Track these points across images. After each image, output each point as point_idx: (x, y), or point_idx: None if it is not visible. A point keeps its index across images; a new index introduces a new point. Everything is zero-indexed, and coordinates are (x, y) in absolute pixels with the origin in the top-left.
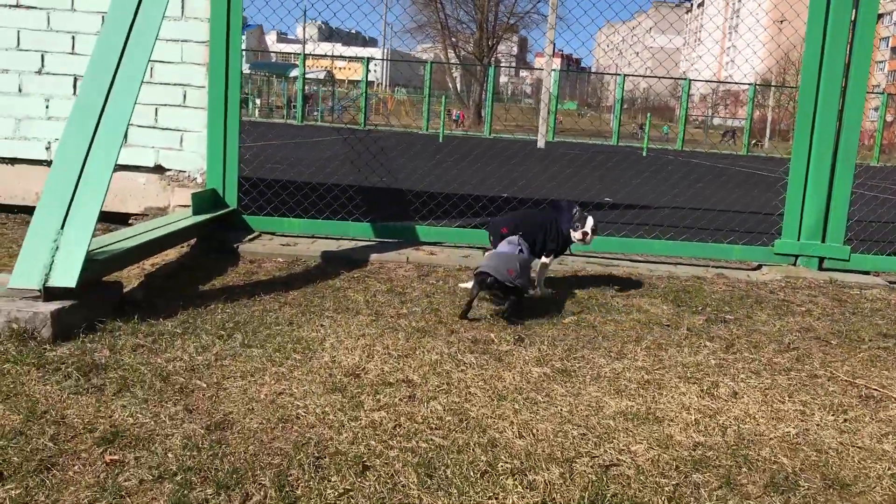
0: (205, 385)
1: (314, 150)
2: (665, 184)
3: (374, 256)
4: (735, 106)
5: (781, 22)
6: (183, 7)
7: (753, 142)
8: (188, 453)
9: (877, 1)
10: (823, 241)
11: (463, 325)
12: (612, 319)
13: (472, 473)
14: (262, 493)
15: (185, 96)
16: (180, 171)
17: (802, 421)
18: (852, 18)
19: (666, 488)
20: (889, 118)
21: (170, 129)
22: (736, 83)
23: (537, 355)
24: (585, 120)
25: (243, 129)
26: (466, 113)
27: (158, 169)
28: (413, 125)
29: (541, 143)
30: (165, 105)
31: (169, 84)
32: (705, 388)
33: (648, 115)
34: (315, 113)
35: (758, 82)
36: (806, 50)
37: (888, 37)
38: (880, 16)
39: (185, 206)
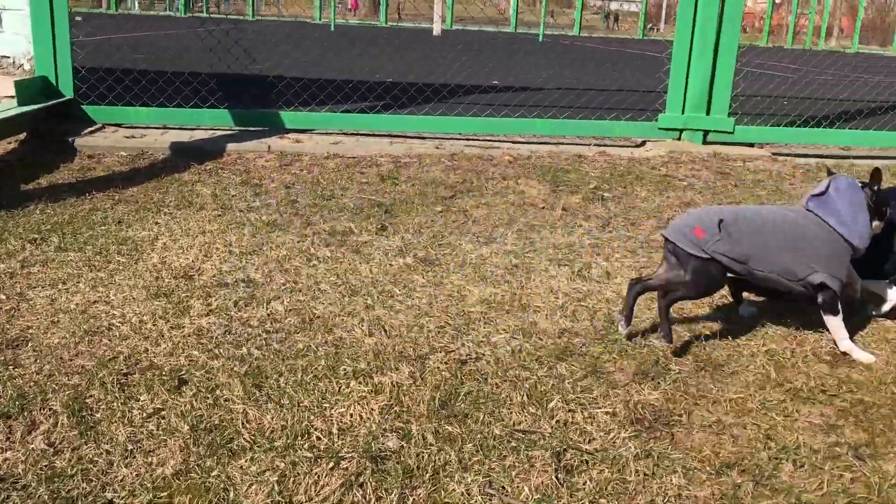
0: (3, 297)
1: (176, 40)
2: (555, 67)
3: (231, 146)
4: None
5: None
6: None
7: (649, 26)
8: None
9: None
10: (708, 113)
11: (322, 216)
12: (484, 203)
13: (308, 380)
14: (51, 420)
15: None
16: (2, 56)
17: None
18: None
19: (527, 382)
20: (777, 0)
21: None
22: None
23: (400, 245)
24: (484, 7)
25: (115, 24)
26: (361, 1)
27: None
28: (304, 14)
29: (437, 31)
30: None
31: None
32: (577, 269)
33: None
34: (200, 4)
35: None
36: None
37: None
38: None
39: (9, 96)
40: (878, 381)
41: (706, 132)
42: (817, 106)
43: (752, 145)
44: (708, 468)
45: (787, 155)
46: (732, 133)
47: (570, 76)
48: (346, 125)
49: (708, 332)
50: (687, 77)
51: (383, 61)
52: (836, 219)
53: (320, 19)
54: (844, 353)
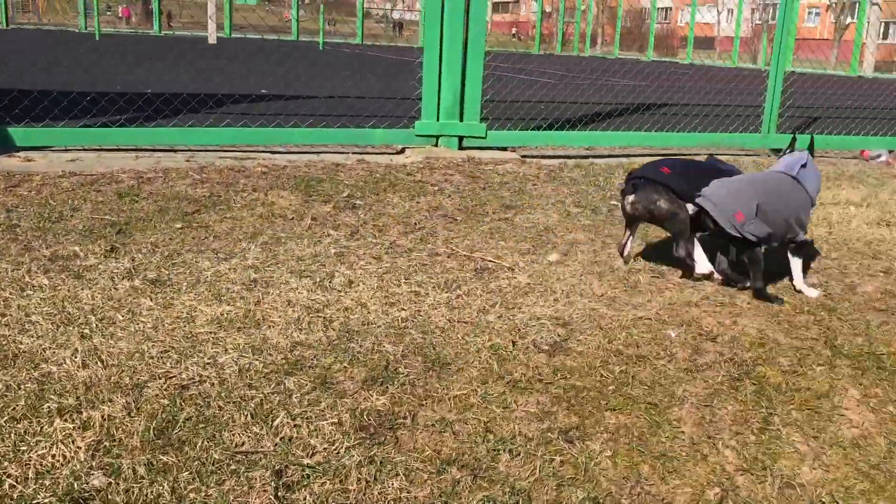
0: None
1: None
2: (330, 76)
3: None
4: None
5: None
6: None
7: None
8: None
9: None
10: (461, 120)
11: (44, 241)
12: (230, 217)
13: (4, 422)
14: None
15: None
16: None
17: (415, 303)
18: None
19: (253, 401)
20: (547, 9)
21: None
22: None
23: (129, 266)
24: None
25: None
26: (133, 9)
27: None
28: (69, 24)
29: (212, 39)
30: None
31: None
32: (319, 280)
33: (322, 7)
34: None
35: None
36: None
37: None
38: None
39: None
40: (588, 367)
41: (461, 138)
42: (560, 109)
43: (505, 149)
44: (429, 467)
45: (535, 157)
46: (485, 138)
47: (345, 84)
48: (84, 141)
49: (438, 332)
50: (439, 85)
51: (149, 72)
52: (811, 186)
53: (86, 28)
54: (799, 291)
